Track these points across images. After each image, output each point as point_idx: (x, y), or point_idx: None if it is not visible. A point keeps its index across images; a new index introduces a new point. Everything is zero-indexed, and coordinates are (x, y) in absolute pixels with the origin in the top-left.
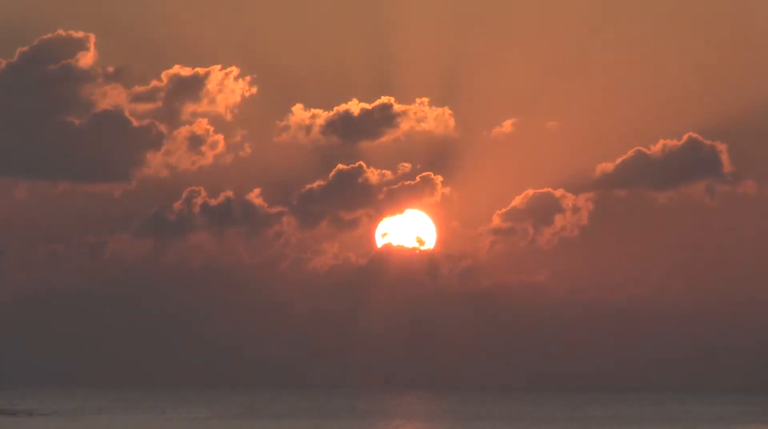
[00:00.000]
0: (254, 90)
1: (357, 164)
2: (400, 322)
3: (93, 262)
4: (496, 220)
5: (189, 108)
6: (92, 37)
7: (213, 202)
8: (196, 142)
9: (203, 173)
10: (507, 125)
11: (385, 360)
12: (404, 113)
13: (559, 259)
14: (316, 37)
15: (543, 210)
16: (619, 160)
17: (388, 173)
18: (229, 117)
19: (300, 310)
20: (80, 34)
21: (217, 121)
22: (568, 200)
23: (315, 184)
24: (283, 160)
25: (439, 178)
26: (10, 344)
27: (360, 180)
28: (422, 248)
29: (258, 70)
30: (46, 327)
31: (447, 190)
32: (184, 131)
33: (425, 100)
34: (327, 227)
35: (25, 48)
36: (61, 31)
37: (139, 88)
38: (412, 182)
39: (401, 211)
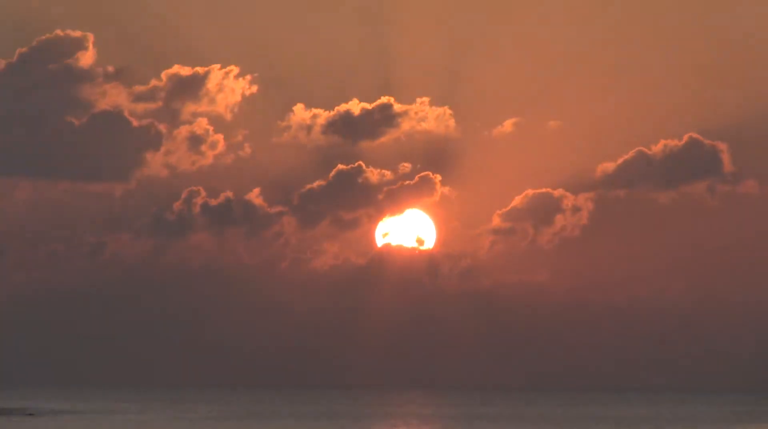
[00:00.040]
0: (254, 89)
1: (357, 164)
2: (400, 322)
3: (93, 262)
4: (496, 220)
5: (189, 108)
6: (91, 37)
7: (213, 202)
8: (195, 141)
9: (203, 173)
10: (508, 125)
11: (385, 360)
12: (405, 113)
13: (559, 259)
14: (317, 36)
15: (543, 210)
16: (619, 161)
17: (388, 173)
18: (229, 117)
19: (300, 310)
20: (78, 34)
21: (217, 121)
22: (569, 200)
23: (315, 184)
24: (283, 160)
25: (439, 178)
26: (10, 344)
27: (360, 180)
28: (422, 248)
29: (259, 69)
30: (46, 327)
31: (447, 190)
32: (183, 131)
33: (426, 99)
34: (327, 227)
35: (24, 49)
36: (59, 31)
37: (138, 88)
38: (412, 182)
39: (401, 211)
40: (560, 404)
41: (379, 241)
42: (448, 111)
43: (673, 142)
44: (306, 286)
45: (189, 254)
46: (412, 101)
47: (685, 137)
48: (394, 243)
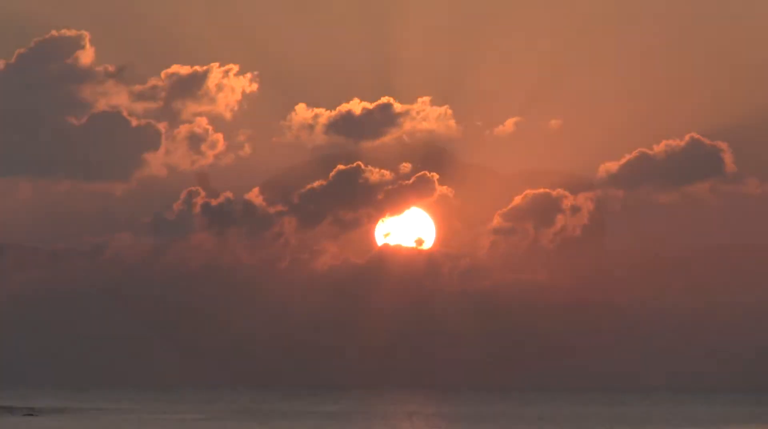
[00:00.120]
0: (255, 87)
1: (357, 164)
2: (400, 322)
3: (93, 262)
4: (496, 220)
5: (189, 107)
6: (86, 35)
7: (213, 202)
8: (195, 141)
9: (203, 173)
10: (509, 124)
11: (385, 360)
12: (405, 113)
13: (559, 259)
14: (318, 36)
15: (543, 210)
16: (621, 161)
17: (388, 173)
18: (228, 116)
19: (300, 310)
20: (73, 33)
21: (217, 120)
22: (568, 200)
23: (315, 184)
24: (283, 160)
25: (439, 178)
26: (10, 344)
27: (360, 180)
28: (422, 248)
29: (259, 68)
30: (46, 327)
31: (447, 189)
32: (183, 130)
33: (426, 99)
34: (327, 227)
35: (23, 49)
36: (54, 32)
37: (138, 88)
38: (412, 182)
39: (401, 211)
40: (560, 404)
41: (379, 240)
42: (449, 110)
43: (675, 142)
44: (306, 286)
45: (189, 254)
46: (413, 101)
47: (687, 137)
48: (394, 243)
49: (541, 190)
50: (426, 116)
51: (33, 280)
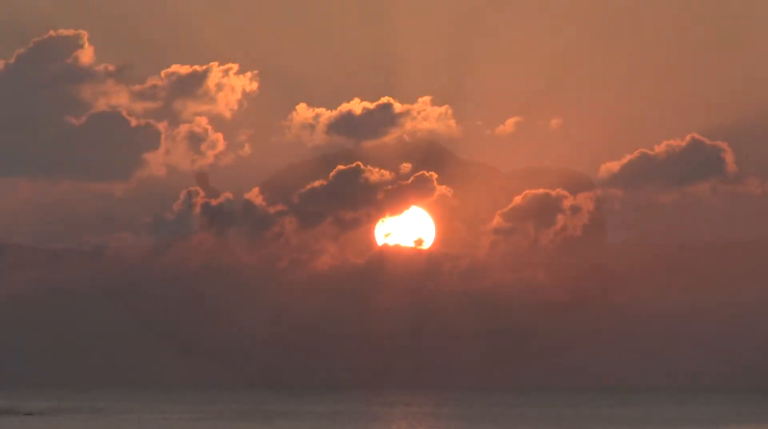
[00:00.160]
0: (255, 86)
1: (357, 164)
2: (399, 322)
3: (93, 262)
4: (496, 220)
5: (189, 107)
6: (84, 34)
7: (213, 202)
8: (195, 141)
9: (203, 173)
10: (509, 124)
11: (385, 360)
12: (406, 113)
13: (559, 259)
14: (319, 36)
15: (544, 210)
16: (622, 161)
17: (388, 173)
18: (228, 115)
19: (300, 310)
20: (71, 32)
21: (217, 120)
22: (568, 200)
23: (315, 184)
24: (283, 160)
25: (439, 178)
26: (10, 344)
27: (360, 180)
28: (422, 247)
29: (259, 67)
30: (46, 327)
31: (448, 189)
32: (183, 130)
33: (427, 99)
34: (327, 227)
35: (22, 50)
36: (52, 32)
37: (138, 87)
38: (413, 182)
39: (401, 211)
40: (560, 404)
41: (379, 240)
42: (450, 110)
43: (676, 142)
44: (306, 286)
45: (189, 254)
46: (414, 101)
47: (687, 138)
48: (394, 242)
49: (541, 190)
50: (426, 116)
51: (33, 280)
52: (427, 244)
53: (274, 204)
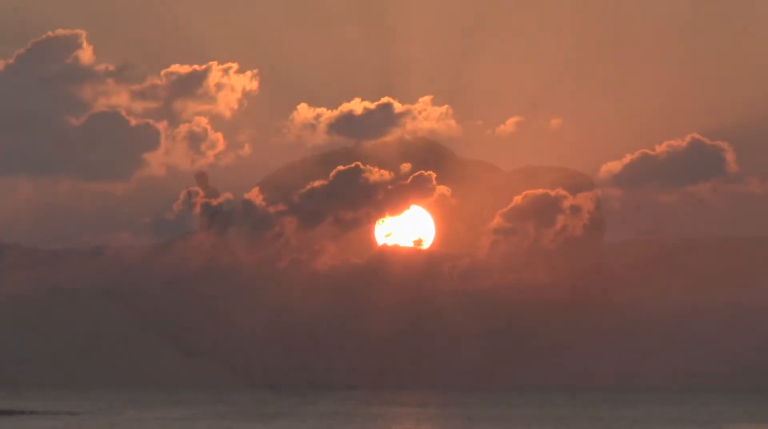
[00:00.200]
0: (255, 86)
1: (357, 164)
2: (399, 322)
3: (93, 262)
4: (496, 220)
5: (188, 106)
6: (83, 34)
7: (213, 202)
8: (195, 141)
9: (203, 173)
10: (510, 124)
11: (385, 360)
12: (407, 113)
13: (559, 259)
14: (319, 36)
15: (544, 210)
16: (623, 161)
17: (388, 173)
18: (228, 115)
19: (300, 310)
20: (70, 32)
21: (217, 120)
22: (569, 200)
23: (315, 184)
24: (283, 160)
25: (439, 178)
26: (10, 344)
27: (360, 180)
28: (421, 247)
29: (259, 66)
30: (46, 327)
31: (447, 189)
32: (183, 130)
33: (427, 99)
34: (327, 227)
35: (22, 50)
36: (50, 32)
37: (138, 87)
38: (412, 181)
39: (401, 211)
40: (560, 404)
41: (379, 240)
42: (450, 110)
43: (676, 142)
44: (306, 286)
45: (189, 254)
46: (414, 101)
47: (688, 138)
48: (394, 242)
49: (541, 190)
50: (427, 116)
51: (33, 280)
52: (426, 244)
53: (274, 204)
